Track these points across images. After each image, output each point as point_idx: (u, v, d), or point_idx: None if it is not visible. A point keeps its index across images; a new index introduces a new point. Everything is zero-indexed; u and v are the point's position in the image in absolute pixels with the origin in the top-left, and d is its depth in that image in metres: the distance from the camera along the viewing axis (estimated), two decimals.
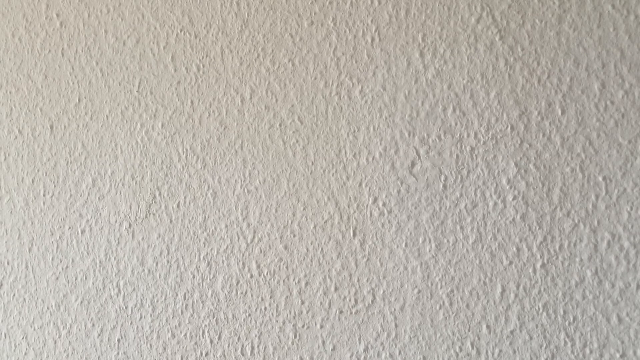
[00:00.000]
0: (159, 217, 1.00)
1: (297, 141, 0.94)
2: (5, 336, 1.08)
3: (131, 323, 1.00)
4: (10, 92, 1.10)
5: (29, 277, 1.07)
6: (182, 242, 0.99)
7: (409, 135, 0.90)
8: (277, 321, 0.94)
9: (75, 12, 1.07)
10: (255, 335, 0.95)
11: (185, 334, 0.98)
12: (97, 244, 1.03)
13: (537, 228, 0.84)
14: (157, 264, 1.00)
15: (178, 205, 0.99)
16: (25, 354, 1.06)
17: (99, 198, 1.03)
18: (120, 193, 1.02)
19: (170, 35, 1.02)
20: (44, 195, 1.07)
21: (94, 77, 1.05)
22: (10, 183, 1.09)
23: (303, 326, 0.93)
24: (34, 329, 1.06)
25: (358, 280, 0.91)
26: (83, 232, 1.04)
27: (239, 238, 0.96)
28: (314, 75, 0.94)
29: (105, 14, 1.05)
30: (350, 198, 0.92)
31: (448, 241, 0.87)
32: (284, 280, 0.94)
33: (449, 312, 0.87)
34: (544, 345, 0.83)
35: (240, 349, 0.95)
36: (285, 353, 0.93)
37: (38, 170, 1.07)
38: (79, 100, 1.06)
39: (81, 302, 1.03)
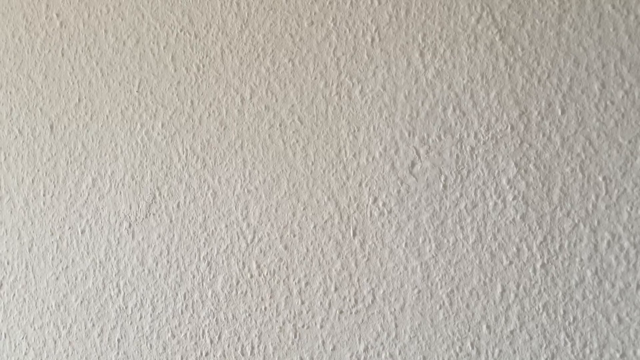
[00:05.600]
0: (159, 217, 1.00)
1: (297, 141, 0.94)
2: (5, 336, 1.08)
3: (131, 323, 1.00)
4: (10, 92, 1.10)
5: (29, 277, 1.07)
6: (182, 242, 0.99)
7: (409, 135, 0.90)
8: (277, 321, 0.94)
9: (75, 12, 1.07)
10: (255, 335, 0.95)
11: (185, 334, 0.98)
12: (97, 244, 1.03)
13: (537, 228, 0.84)
14: (157, 264, 1.00)
15: (178, 205, 0.99)
16: (25, 354, 1.06)
17: (99, 198, 1.03)
18: (120, 193, 1.02)
19: (170, 35, 1.02)
20: (44, 195, 1.07)
21: (94, 77, 1.05)
22: (10, 183, 1.09)
23: (303, 326, 0.93)
24: (34, 329, 1.06)
25: (358, 280, 0.91)
26: (83, 232, 1.04)
27: (239, 238, 0.96)
28: (314, 75, 0.94)
29: (105, 14, 1.05)
30: (350, 198, 0.92)
31: (448, 241, 0.87)
32: (284, 280, 0.94)
33: (449, 312, 0.87)
34: (544, 345, 0.83)
35: (240, 349, 0.95)
36: (285, 353, 0.93)
37: (38, 170, 1.07)
38: (79, 100, 1.06)
39: (81, 302, 1.03)
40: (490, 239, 0.86)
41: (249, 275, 0.95)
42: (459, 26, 0.89)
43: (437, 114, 0.89)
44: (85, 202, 1.04)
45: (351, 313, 0.91)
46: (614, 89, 0.82)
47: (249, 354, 0.95)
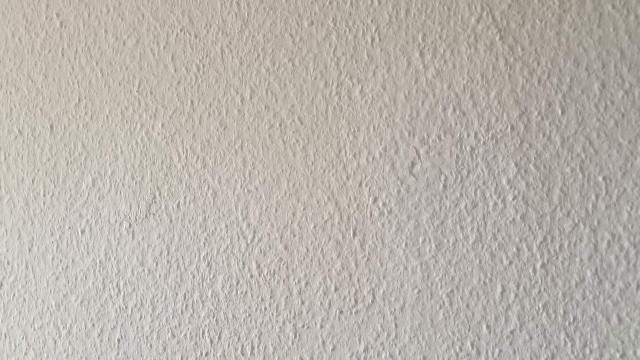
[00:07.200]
0: (159, 217, 1.00)
1: (297, 141, 0.94)
2: (5, 336, 1.08)
3: (131, 323, 1.00)
4: (10, 92, 1.10)
5: (29, 277, 1.07)
6: (182, 242, 0.99)
7: (409, 135, 0.90)
8: (277, 321, 0.94)
9: (75, 12, 1.07)
10: (255, 335, 0.95)
11: (185, 334, 0.98)
12: (97, 244, 1.03)
13: (537, 228, 0.84)
14: (157, 264, 1.00)
15: (178, 205, 0.99)
16: (25, 354, 1.06)
17: (99, 198, 1.03)
18: (120, 193, 1.02)
19: (170, 35, 1.02)
20: (44, 195, 1.07)
21: (94, 77, 1.05)
22: (10, 183, 1.09)
23: (303, 326, 0.93)
24: (34, 329, 1.06)
25: (358, 280, 0.91)
26: (83, 232, 1.04)
27: (239, 238, 0.96)
28: (314, 75, 0.94)
29: (105, 14, 1.05)
30: (350, 198, 0.92)
31: (448, 241, 0.87)
32: (284, 280, 0.94)
33: (449, 312, 0.87)
34: (544, 345, 0.83)
35: (240, 349, 0.95)
36: (285, 353, 0.93)
37: (38, 170, 1.07)
38: (79, 100, 1.06)
39: (81, 302, 1.03)
40: (490, 239, 0.86)
41: (249, 275, 0.95)
42: (459, 26, 0.89)
43: (437, 114, 0.89)
44: (85, 202, 1.04)
45: (351, 313, 0.91)
46: (614, 89, 0.82)
47: (249, 354, 0.95)
